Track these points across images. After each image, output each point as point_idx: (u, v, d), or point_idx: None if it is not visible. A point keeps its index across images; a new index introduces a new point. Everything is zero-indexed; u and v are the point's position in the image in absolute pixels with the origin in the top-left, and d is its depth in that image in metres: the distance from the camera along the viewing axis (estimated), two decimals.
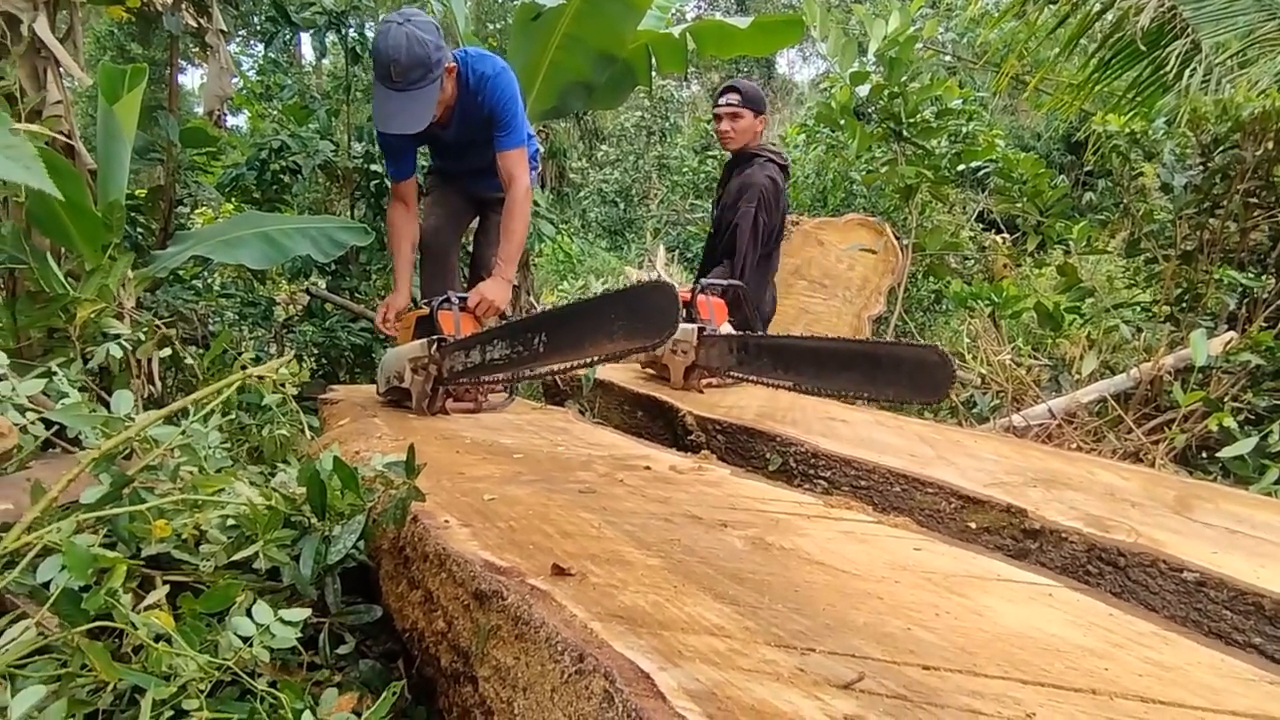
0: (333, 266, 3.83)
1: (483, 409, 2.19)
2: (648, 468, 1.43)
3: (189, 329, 3.41)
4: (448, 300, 2.14)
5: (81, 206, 2.25)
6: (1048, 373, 2.75)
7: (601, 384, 2.60)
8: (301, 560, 1.02)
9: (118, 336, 1.49)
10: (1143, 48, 3.66)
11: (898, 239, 3.78)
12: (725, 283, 2.55)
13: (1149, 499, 1.47)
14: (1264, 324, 2.49)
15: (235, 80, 3.92)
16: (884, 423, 2.04)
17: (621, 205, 8.80)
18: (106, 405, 1.53)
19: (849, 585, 0.85)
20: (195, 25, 3.60)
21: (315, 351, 3.47)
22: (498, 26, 16.78)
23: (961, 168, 4.19)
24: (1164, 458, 2.36)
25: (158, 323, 1.69)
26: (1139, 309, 2.99)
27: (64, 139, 2.63)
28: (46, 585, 0.87)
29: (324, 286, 3.88)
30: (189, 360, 1.79)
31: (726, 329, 2.59)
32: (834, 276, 3.67)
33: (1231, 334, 2.46)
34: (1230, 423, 2.27)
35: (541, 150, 3.37)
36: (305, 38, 4.06)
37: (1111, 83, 4.27)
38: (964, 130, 5.45)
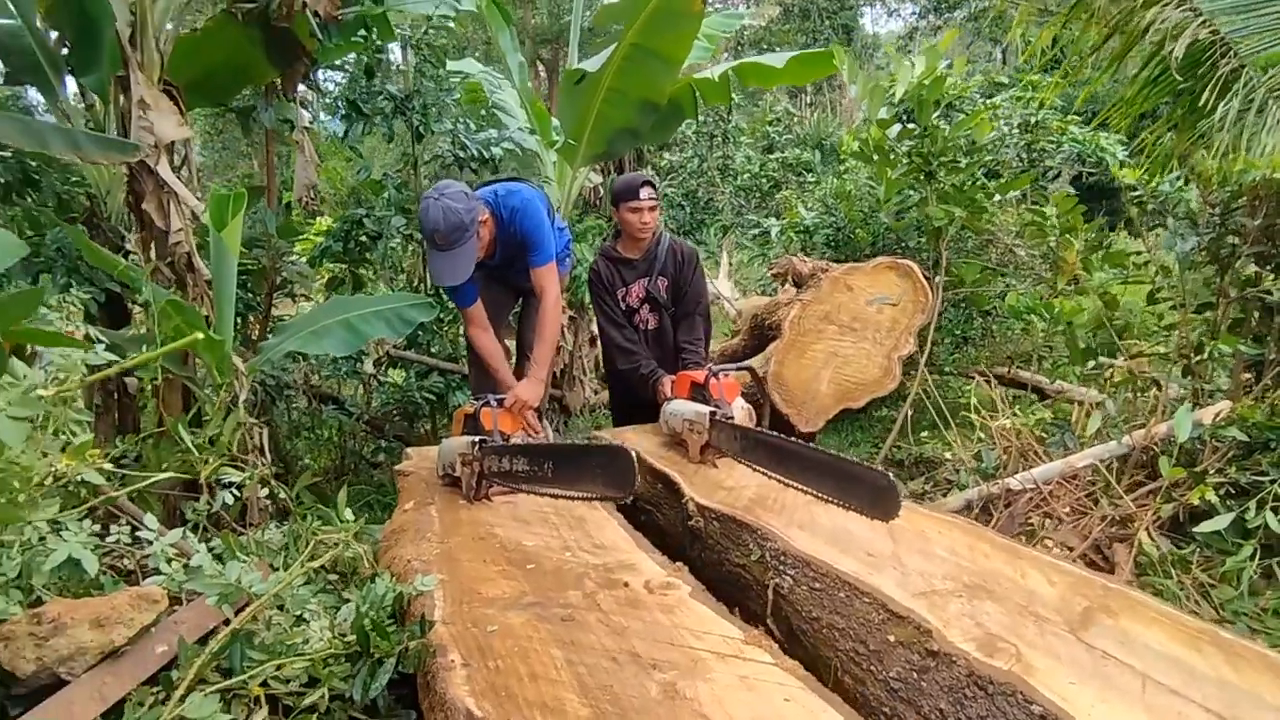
0: None
1: (521, 489, 2.60)
2: (626, 584, 1.79)
3: (294, 389, 4.01)
4: (488, 402, 2.55)
5: (197, 325, 2.80)
6: (1054, 432, 2.89)
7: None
8: (355, 687, 1.45)
9: (231, 484, 1.99)
10: (1178, 77, 3.62)
11: (927, 278, 3.90)
12: (735, 366, 2.85)
13: (1057, 612, 1.70)
14: (1265, 390, 2.55)
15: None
16: None
17: (688, 209, 9.03)
18: (225, 525, 2.02)
19: None
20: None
21: (397, 407, 4.00)
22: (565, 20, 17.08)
23: (997, 198, 4.23)
24: (1151, 526, 2.51)
25: (264, 467, 2.18)
26: (1156, 358, 3.05)
27: (185, 257, 3.22)
28: None
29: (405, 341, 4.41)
30: (281, 495, 2.29)
31: (739, 404, 2.88)
32: (863, 320, 3.85)
33: (1226, 404, 2.54)
34: (1212, 496, 2.40)
35: (572, 242, 3.70)
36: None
37: (1159, 100, 4.20)
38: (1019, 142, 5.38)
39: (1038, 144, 7.35)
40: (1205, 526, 2.35)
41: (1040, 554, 2.02)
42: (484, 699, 1.32)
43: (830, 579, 1.89)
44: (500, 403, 2.59)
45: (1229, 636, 1.60)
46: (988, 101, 7.83)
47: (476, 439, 2.46)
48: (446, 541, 2.12)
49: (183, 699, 1.32)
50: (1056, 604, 1.75)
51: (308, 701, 1.41)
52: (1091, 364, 3.71)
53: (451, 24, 4.43)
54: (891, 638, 1.69)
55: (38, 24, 3.69)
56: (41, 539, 1.50)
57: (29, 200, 3.88)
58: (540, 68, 23.13)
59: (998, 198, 4.20)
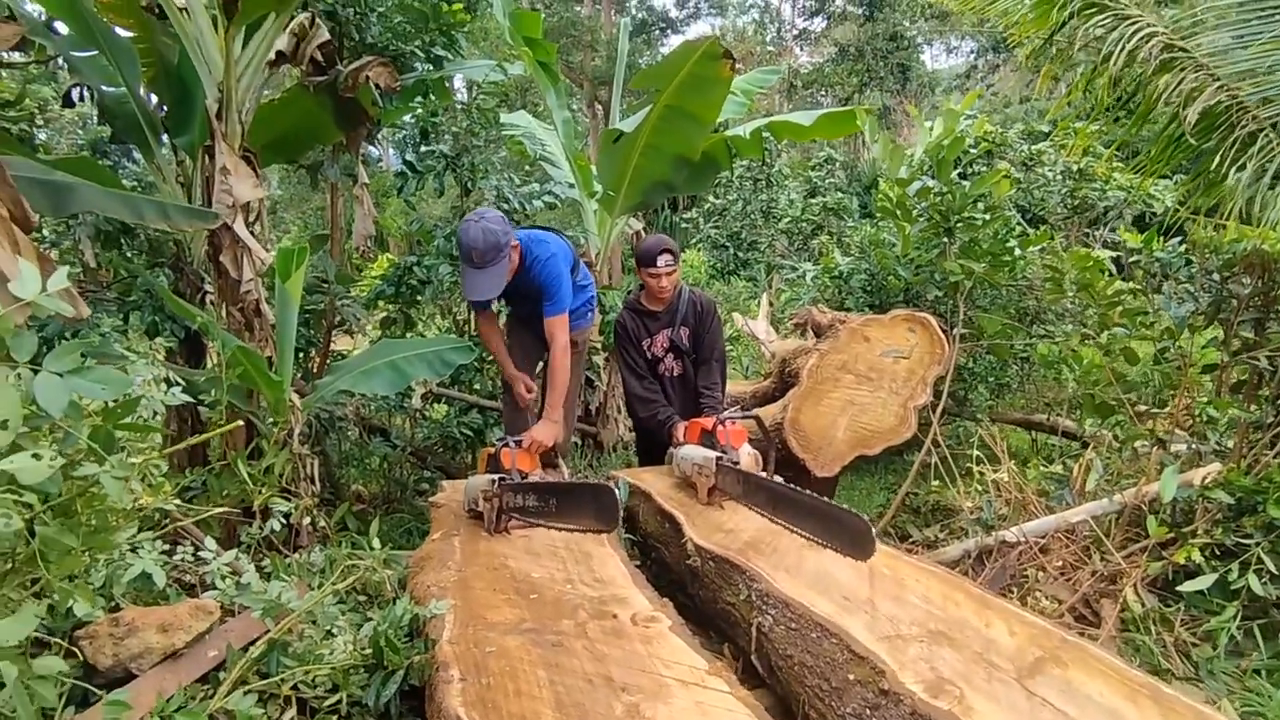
0: None
1: (536, 525, 2.84)
2: (615, 615, 1.99)
3: (345, 421, 4.36)
4: (508, 443, 2.81)
5: (260, 368, 3.15)
6: (1054, 486, 2.97)
7: (642, 493, 3.16)
8: (369, 694, 1.69)
9: (280, 511, 2.28)
10: (1193, 141, 3.69)
11: (944, 331, 4.02)
12: (741, 415, 3.04)
13: (1010, 660, 1.83)
14: (1258, 454, 2.60)
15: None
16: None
17: (731, 249, 9.26)
18: (274, 547, 2.31)
19: None
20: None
21: (439, 440, 4.31)
22: None
23: (1020, 254, 4.33)
24: (1139, 583, 2.59)
25: (311, 496, 2.48)
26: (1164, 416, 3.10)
27: (254, 303, 3.61)
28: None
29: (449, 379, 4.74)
30: (321, 522, 2.58)
31: (746, 450, 3.06)
32: (880, 370, 3.98)
33: (1215, 466, 2.60)
34: (1197, 556, 2.47)
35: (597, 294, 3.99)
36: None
37: (1181, 160, 4.25)
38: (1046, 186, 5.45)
39: (1081, 190, 7.37)
40: (1188, 586, 2.41)
41: (1010, 605, 2.13)
42: (473, 709, 1.54)
43: (805, 620, 2.05)
44: (518, 444, 2.84)
45: (1170, 691, 1.70)
46: (1031, 149, 7.88)
47: (497, 477, 2.71)
48: (464, 570, 2.36)
49: (226, 695, 1.58)
50: (1012, 653, 1.87)
51: (329, 704, 1.65)
52: (1101, 419, 3.76)
53: (507, 76, 4.81)
54: (851, 676, 1.84)
55: (140, 92, 4.21)
56: (121, 556, 1.80)
57: (124, 246, 4.37)
58: (598, 108, 23.94)
59: (1018, 251, 4.30)
